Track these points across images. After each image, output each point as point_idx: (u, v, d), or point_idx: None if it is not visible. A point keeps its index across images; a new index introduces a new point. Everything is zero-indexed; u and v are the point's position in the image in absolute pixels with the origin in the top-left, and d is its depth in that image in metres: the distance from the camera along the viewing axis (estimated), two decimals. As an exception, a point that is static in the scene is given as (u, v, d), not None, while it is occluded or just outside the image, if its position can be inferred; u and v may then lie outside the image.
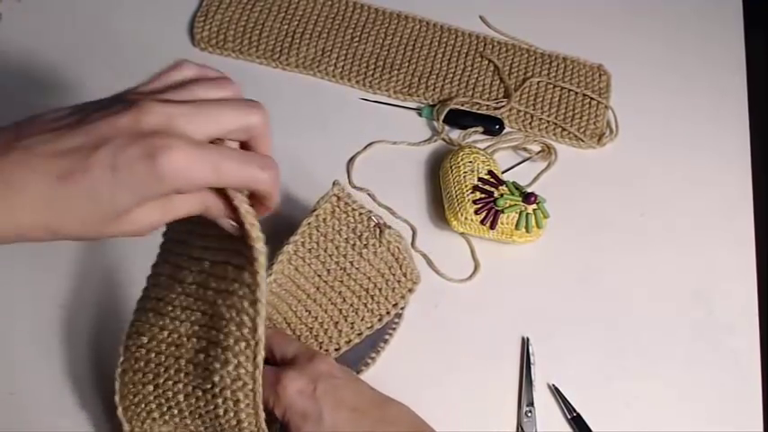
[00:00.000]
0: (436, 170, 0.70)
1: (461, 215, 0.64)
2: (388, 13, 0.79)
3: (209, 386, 0.46)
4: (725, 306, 0.67)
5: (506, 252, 0.67)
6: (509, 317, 0.64)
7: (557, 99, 0.77)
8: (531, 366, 0.61)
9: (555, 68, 0.79)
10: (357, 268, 0.59)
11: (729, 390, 0.63)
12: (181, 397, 0.48)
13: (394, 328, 0.60)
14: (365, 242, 0.59)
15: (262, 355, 0.44)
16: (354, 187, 0.68)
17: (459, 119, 0.73)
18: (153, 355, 0.49)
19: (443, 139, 0.72)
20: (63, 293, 0.59)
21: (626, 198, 0.72)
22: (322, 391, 0.49)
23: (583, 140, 0.74)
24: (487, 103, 0.74)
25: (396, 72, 0.76)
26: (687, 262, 0.69)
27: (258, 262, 0.41)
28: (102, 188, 0.36)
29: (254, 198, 0.41)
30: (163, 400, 0.49)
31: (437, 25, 0.80)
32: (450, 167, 0.67)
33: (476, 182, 0.66)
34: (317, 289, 0.59)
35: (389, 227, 0.59)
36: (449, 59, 0.77)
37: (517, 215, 0.64)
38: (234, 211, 0.40)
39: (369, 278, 0.59)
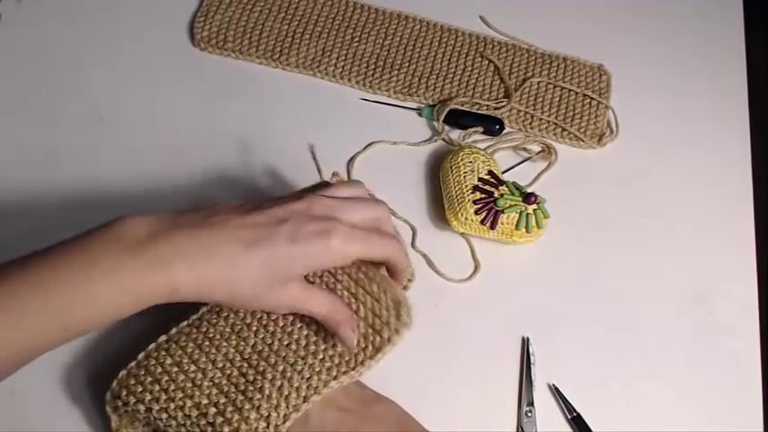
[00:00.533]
0: (436, 170, 0.70)
1: (461, 215, 0.64)
2: (388, 13, 0.79)
3: None
4: (725, 306, 0.67)
5: (506, 252, 0.67)
6: (509, 317, 0.64)
7: (557, 99, 0.77)
8: (531, 366, 0.61)
9: (555, 68, 0.79)
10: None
11: (729, 390, 0.63)
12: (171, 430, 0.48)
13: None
14: None
15: None
16: (354, 187, 0.68)
17: (459, 119, 0.73)
18: (165, 379, 0.49)
19: (443, 140, 0.72)
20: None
21: (626, 198, 0.72)
22: None
23: (583, 140, 0.74)
24: (487, 103, 0.74)
25: (396, 72, 0.75)
26: (687, 262, 0.69)
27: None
28: (280, 255, 0.46)
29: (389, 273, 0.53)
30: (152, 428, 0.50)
31: (437, 25, 0.80)
32: (451, 167, 0.67)
33: (476, 182, 0.66)
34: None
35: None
36: (449, 59, 0.77)
37: (517, 215, 0.64)
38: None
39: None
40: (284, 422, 0.47)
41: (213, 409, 0.47)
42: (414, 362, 0.60)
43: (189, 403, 0.48)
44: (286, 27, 0.76)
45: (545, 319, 0.64)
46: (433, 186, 0.70)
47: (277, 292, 0.48)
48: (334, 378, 0.50)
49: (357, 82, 0.75)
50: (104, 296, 0.43)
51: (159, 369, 0.49)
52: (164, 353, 0.50)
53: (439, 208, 0.68)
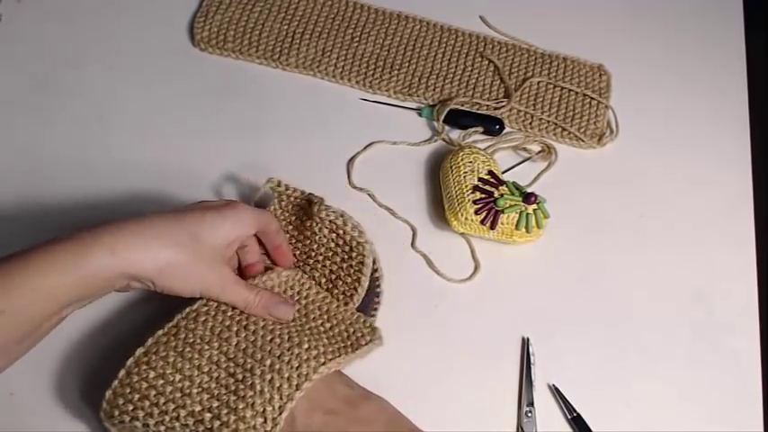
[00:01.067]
0: (436, 170, 0.70)
1: (461, 215, 0.64)
2: (388, 13, 0.79)
3: None
4: (725, 306, 0.67)
5: (506, 252, 0.67)
6: (509, 317, 0.64)
7: (557, 99, 0.77)
8: (531, 366, 0.61)
9: (555, 68, 0.79)
10: (317, 256, 0.59)
11: (729, 390, 0.63)
12: None
13: (378, 294, 0.60)
14: (310, 226, 0.59)
15: None
16: (354, 187, 0.68)
17: (459, 119, 0.73)
18: (153, 393, 0.48)
19: (443, 140, 0.72)
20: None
21: (626, 198, 0.72)
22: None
23: (583, 140, 0.74)
24: (487, 103, 0.74)
25: (396, 72, 0.75)
26: (687, 262, 0.69)
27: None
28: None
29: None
30: None
31: (437, 25, 0.80)
32: (451, 167, 0.67)
33: (476, 182, 0.66)
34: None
35: (321, 202, 0.58)
36: (449, 59, 0.77)
37: (517, 215, 0.64)
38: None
39: (327, 262, 0.59)
40: (280, 413, 0.47)
41: (208, 415, 0.47)
42: (414, 362, 0.60)
43: (183, 413, 0.47)
44: (286, 27, 0.76)
45: (545, 319, 0.64)
46: (433, 186, 0.70)
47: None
48: (323, 364, 0.50)
49: (357, 82, 0.75)
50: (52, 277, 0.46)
51: (144, 384, 0.48)
52: (145, 367, 0.49)
53: (439, 208, 0.68)
